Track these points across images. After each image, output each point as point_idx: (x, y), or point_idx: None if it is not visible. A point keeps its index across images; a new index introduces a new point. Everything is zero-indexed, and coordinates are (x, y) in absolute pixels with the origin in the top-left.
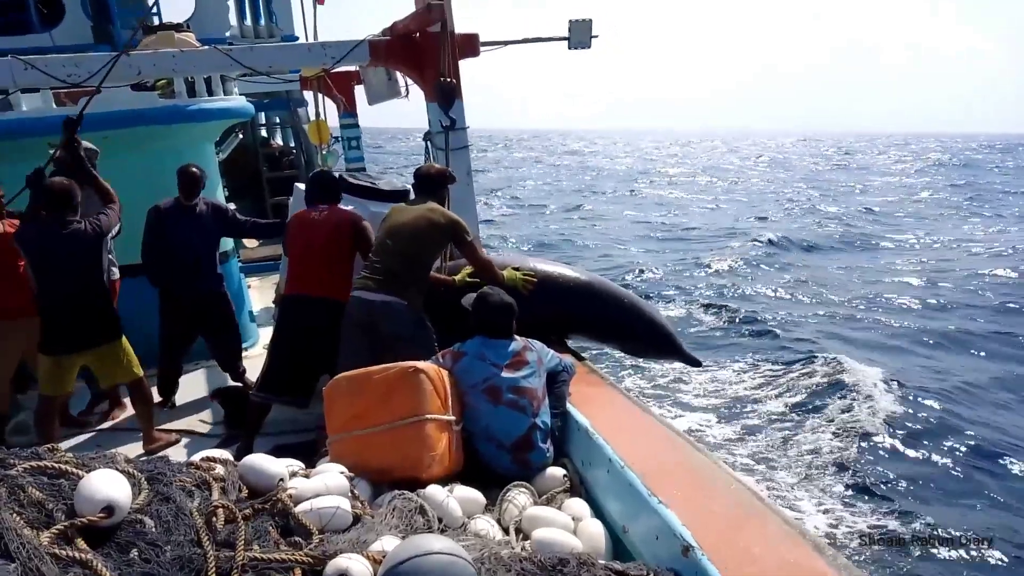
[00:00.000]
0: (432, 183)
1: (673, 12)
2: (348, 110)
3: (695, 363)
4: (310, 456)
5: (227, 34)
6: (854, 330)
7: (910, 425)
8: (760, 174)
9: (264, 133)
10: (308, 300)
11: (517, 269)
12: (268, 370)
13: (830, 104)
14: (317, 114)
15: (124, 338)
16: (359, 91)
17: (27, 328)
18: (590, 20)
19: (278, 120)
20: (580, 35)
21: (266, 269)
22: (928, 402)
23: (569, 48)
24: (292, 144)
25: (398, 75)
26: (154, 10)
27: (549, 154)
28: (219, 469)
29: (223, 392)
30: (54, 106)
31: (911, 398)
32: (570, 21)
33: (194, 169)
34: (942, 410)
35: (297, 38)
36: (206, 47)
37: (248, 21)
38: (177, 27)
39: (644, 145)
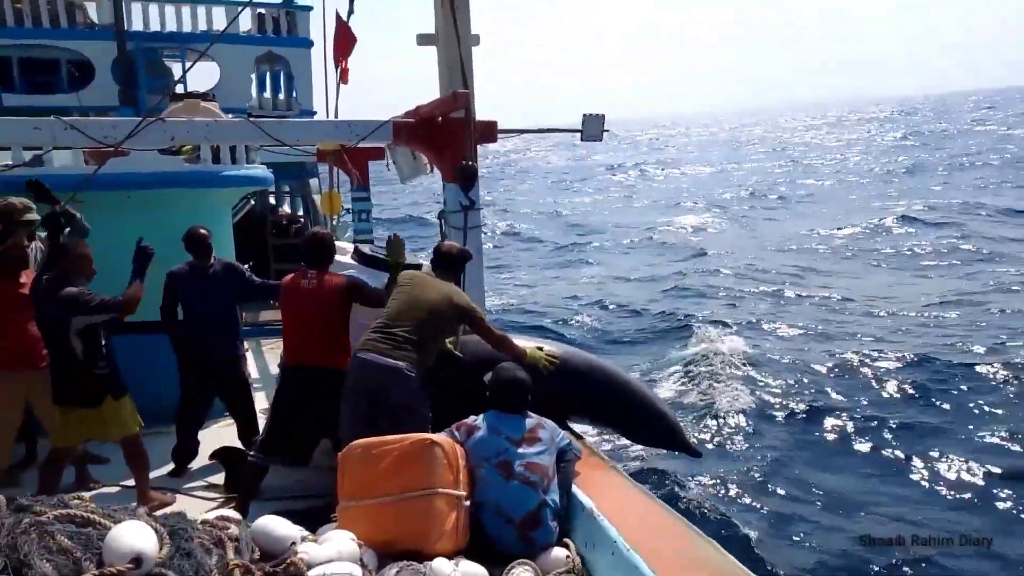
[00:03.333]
0: (452, 262)
1: None
2: (361, 184)
3: (696, 454)
4: (310, 523)
5: (247, 105)
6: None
7: None
8: None
9: (272, 200)
10: (306, 369)
11: (540, 348)
12: (268, 434)
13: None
14: (331, 186)
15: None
16: (373, 166)
17: (30, 380)
18: (603, 115)
19: (288, 188)
20: (592, 128)
21: (269, 334)
22: None
23: (582, 140)
24: (300, 212)
25: (421, 154)
26: (179, 79)
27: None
28: (233, 528)
29: (223, 453)
30: (83, 164)
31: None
32: (584, 115)
33: (202, 230)
34: None
35: (315, 112)
36: (239, 119)
37: (267, 94)
38: (203, 96)
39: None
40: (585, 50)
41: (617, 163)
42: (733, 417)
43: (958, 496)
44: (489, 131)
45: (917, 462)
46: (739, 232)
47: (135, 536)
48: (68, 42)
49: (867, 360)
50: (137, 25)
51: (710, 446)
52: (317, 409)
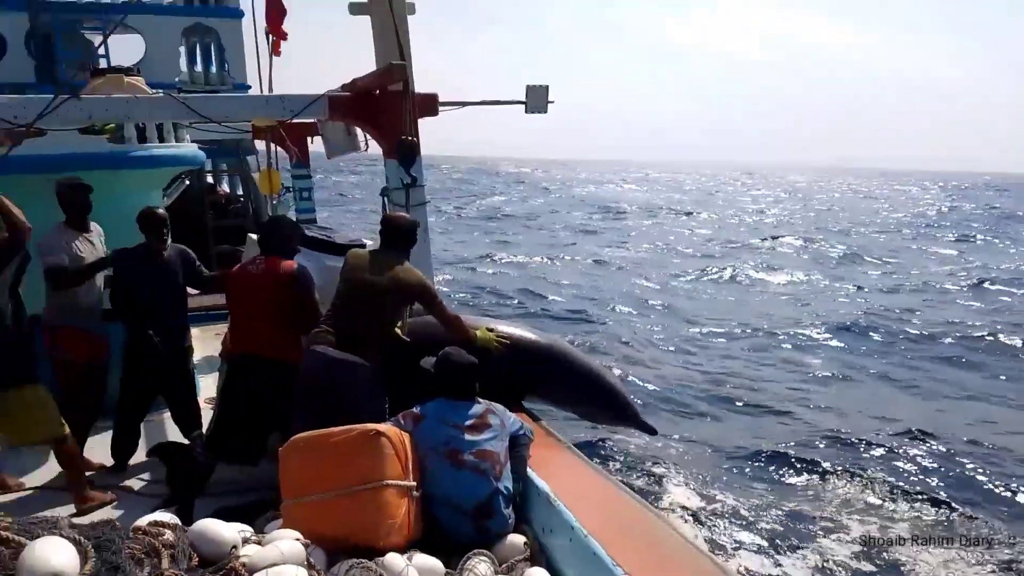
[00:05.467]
0: (402, 236)
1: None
2: (300, 161)
3: (651, 431)
4: (254, 518)
5: (176, 80)
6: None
7: None
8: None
9: (210, 180)
10: (255, 359)
11: (491, 329)
12: (216, 430)
13: None
14: (268, 164)
15: (40, 391)
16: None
17: None
18: (546, 86)
19: (225, 167)
20: (536, 100)
21: (210, 319)
22: None
23: (526, 112)
24: (240, 192)
25: (357, 130)
26: (101, 52)
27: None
28: (168, 535)
29: (162, 448)
30: None
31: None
32: (527, 87)
33: (161, 211)
34: None
35: (249, 87)
36: (162, 94)
37: (199, 68)
38: (127, 71)
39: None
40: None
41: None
42: (688, 396)
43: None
44: (430, 104)
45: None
46: None
47: (52, 553)
48: None
49: None
50: None
51: (664, 423)
52: (266, 401)
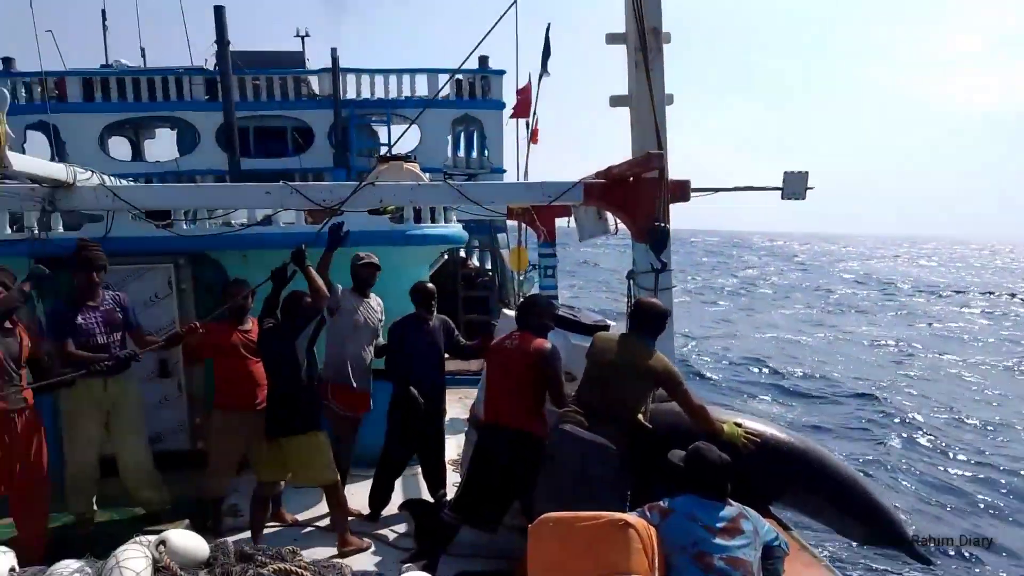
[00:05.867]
0: (652, 322)
1: None
2: (548, 240)
3: (923, 560)
4: None
5: (443, 163)
6: None
7: None
8: None
9: (462, 253)
10: (503, 431)
11: (739, 424)
12: (463, 493)
13: None
14: (519, 242)
15: (323, 438)
16: (559, 223)
17: (253, 420)
18: (806, 173)
19: (477, 243)
20: (794, 186)
21: (454, 383)
22: None
23: (783, 198)
24: (488, 266)
25: (608, 214)
26: (385, 142)
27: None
28: None
29: (413, 504)
30: (304, 223)
31: None
32: (785, 173)
33: (431, 286)
34: None
35: (505, 171)
36: (440, 183)
37: (461, 153)
38: (405, 157)
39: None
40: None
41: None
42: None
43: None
44: (682, 190)
45: None
46: None
47: None
48: (294, 111)
49: None
50: (351, 94)
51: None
52: (511, 471)
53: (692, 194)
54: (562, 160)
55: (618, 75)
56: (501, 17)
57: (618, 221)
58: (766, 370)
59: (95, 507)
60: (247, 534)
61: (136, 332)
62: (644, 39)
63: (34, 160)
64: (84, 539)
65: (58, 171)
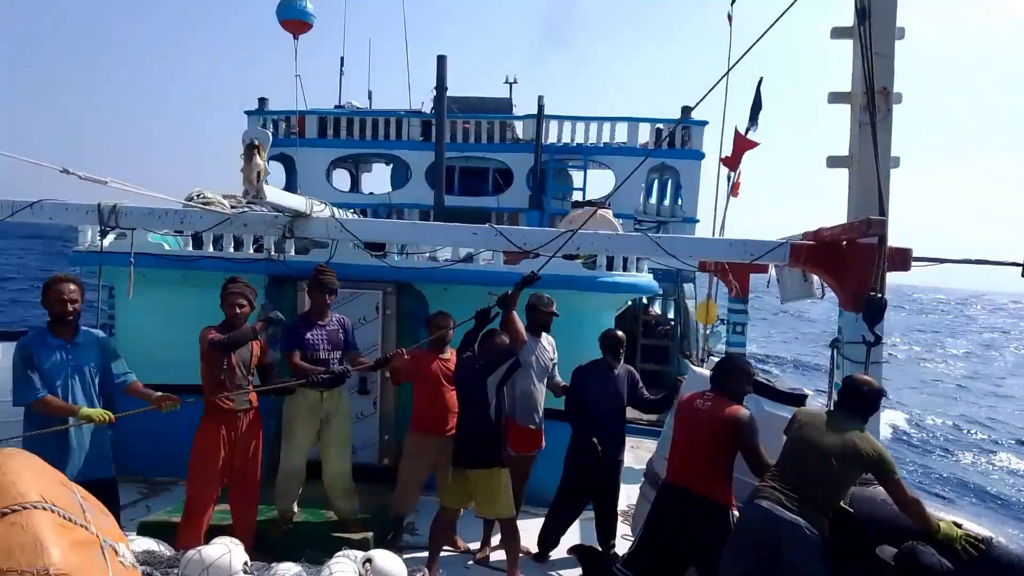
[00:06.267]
0: (865, 401)
1: None
2: (740, 296)
3: None
4: None
5: (634, 209)
6: None
7: None
8: None
9: (644, 300)
10: (687, 494)
11: (958, 525)
12: (638, 550)
13: None
14: (708, 296)
15: (505, 476)
16: (754, 279)
17: (440, 445)
18: None
19: (661, 291)
20: None
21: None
22: None
23: (1023, 276)
24: (670, 315)
25: (814, 277)
26: (578, 186)
27: None
28: None
29: (584, 551)
30: (502, 264)
31: None
32: None
33: (621, 334)
34: None
35: (698, 220)
36: (639, 234)
37: (653, 200)
38: (600, 203)
39: None
40: None
41: None
42: None
43: None
44: (902, 259)
45: None
46: None
47: None
48: (497, 154)
49: None
50: (551, 138)
51: None
52: (691, 536)
53: (913, 263)
54: (759, 214)
55: (824, 131)
56: (725, 74)
57: (825, 285)
58: (998, 458)
59: (296, 508)
60: (421, 553)
61: (352, 353)
62: (872, 99)
63: (282, 192)
64: (283, 535)
65: (299, 203)
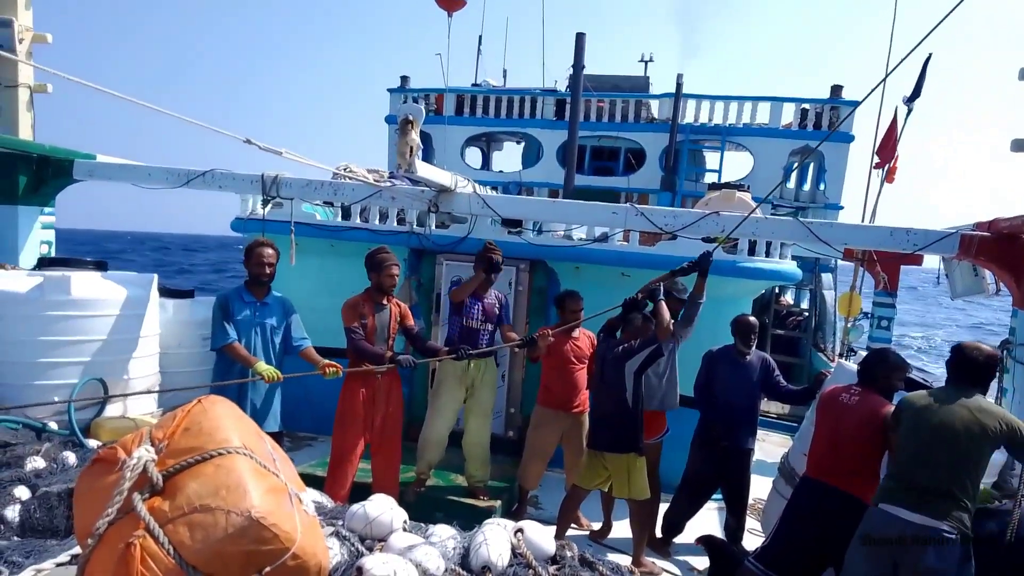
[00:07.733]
0: (980, 370)
1: None
2: (888, 289)
3: None
4: None
5: (774, 195)
6: None
7: None
8: None
9: (776, 288)
10: (829, 490)
11: None
12: (773, 545)
13: None
14: (852, 287)
15: (641, 462)
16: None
17: (568, 422)
18: None
19: (801, 278)
20: None
21: (765, 426)
22: None
23: None
24: (804, 306)
25: (986, 272)
26: (713, 168)
27: None
28: None
29: (711, 541)
30: (638, 245)
31: None
32: None
33: (754, 320)
34: None
35: (841, 207)
36: (789, 219)
37: (791, 184)
38: (737, 186)
39: None
40: None
41: None
42: None
43: None
44: None
45: None
46: None
47: None
48: (630, 134)
49: None
50: (688, 119)
51: None
52: (829, 533)
53: None
54: (914, 199)
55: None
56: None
57: (999, 281)
58: None
59: (431, 470)
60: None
61: (505, 327)
62: None
63: (431, 167)
64: (416, 496)
65: (446, 178)
